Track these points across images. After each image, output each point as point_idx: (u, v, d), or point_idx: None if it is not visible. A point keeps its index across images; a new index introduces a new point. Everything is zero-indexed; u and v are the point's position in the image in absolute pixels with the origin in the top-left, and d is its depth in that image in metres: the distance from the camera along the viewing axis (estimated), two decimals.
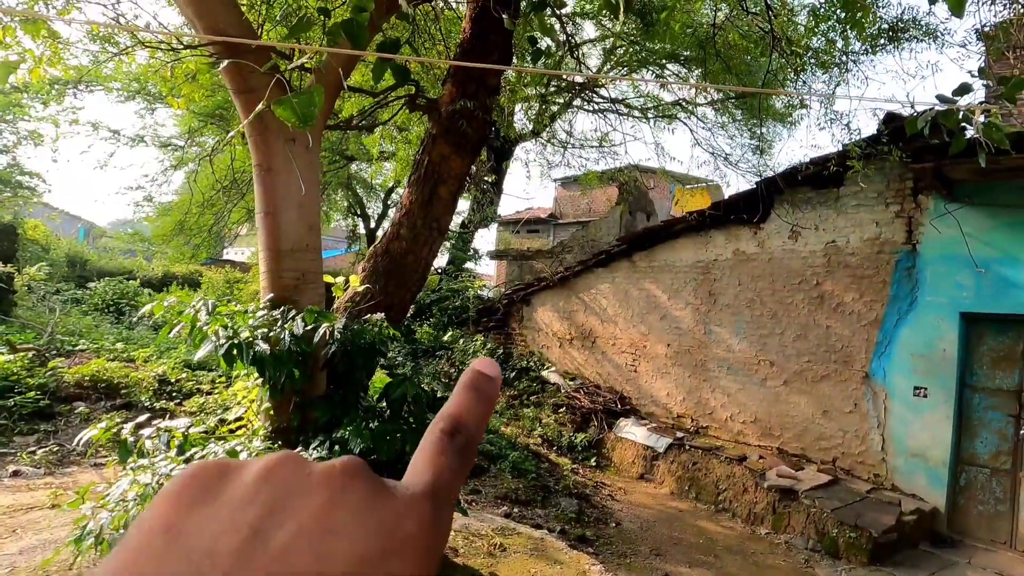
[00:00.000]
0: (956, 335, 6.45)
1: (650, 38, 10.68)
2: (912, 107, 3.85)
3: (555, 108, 13.63)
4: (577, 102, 13.40)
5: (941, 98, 3.01)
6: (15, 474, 5.85)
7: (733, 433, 8.34)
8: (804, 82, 8.29)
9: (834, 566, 5.81)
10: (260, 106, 2.84)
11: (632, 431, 8.85)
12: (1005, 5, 5.37)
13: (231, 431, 3.75)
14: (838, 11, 7.29)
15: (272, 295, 3.64)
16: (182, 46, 4.07)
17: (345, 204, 20.75)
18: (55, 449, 6.48)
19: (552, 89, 12.36)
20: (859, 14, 6.93)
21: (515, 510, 6.46)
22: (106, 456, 6.28)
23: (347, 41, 2.57)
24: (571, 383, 10.34)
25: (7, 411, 6.95)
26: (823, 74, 8.51)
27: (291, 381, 3.30)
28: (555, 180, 23.12)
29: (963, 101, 2.94)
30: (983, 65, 6.04)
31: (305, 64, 3.05)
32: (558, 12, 6.44)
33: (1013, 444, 6.14)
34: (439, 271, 15.83)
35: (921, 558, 5.94)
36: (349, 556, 0.25)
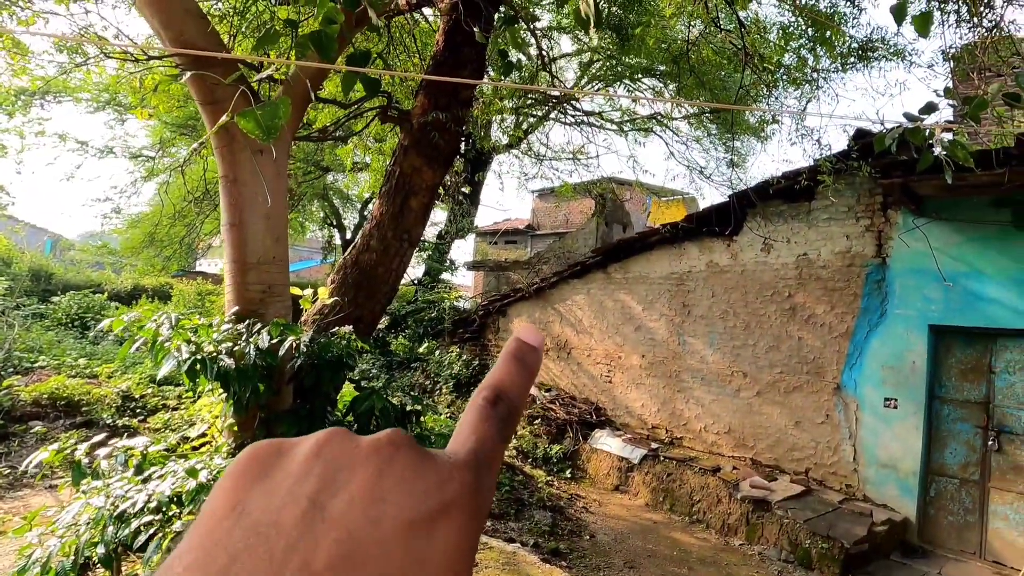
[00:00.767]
0: (925, 347, 6.55)
1: (626, 53, 10.79)
2: (882, 124, 3.91)
3: (531, 121, 13.69)
4: (554, 115, 13.47)
5: (908, 116, 3.06)
6: None
7: (707, 444, 8.36)
8: (776, 98, 8.43)
9: None
10: (224, 118, 2.79)
11: (607, 442, 8.84)
12: (970, 28, 5.50)
13: (194, 448, 3.65)
14: (808, 30, 7.44)
15: (237, 308, 3.57)
16: (147, 56, 3.99)
17: (321, 215, 20.61)
18: (6, 472, 6.23)
19: (530, 101, 12.42)
20: (828, 33, 7.07)
21: (487, 524, 6.39)
22: (63, 478, 6.09)
23: (316, 53, 2.54)
24: (546, 394, 10.30)
25: None
26: (795, 90, 8.67)
27: (256, 396, 3.23)
28: (532, 192, 23.22)
29: (931, 119, 2.99)
30: (948, 85, 6.18)
31: (273, 76, 3.01)
32: (531, 27, 6.47)
33: (981, 455, 6.23)
34: (415, 282, 15.73)
35: (892, 568, 5.99)
36: (398, 520, 0.27)
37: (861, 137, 6.43)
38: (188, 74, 3.16)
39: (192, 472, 2.82)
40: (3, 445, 6.87)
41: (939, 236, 6.43)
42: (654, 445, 8.52)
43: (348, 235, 19.78)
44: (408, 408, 3.78)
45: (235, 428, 3.49)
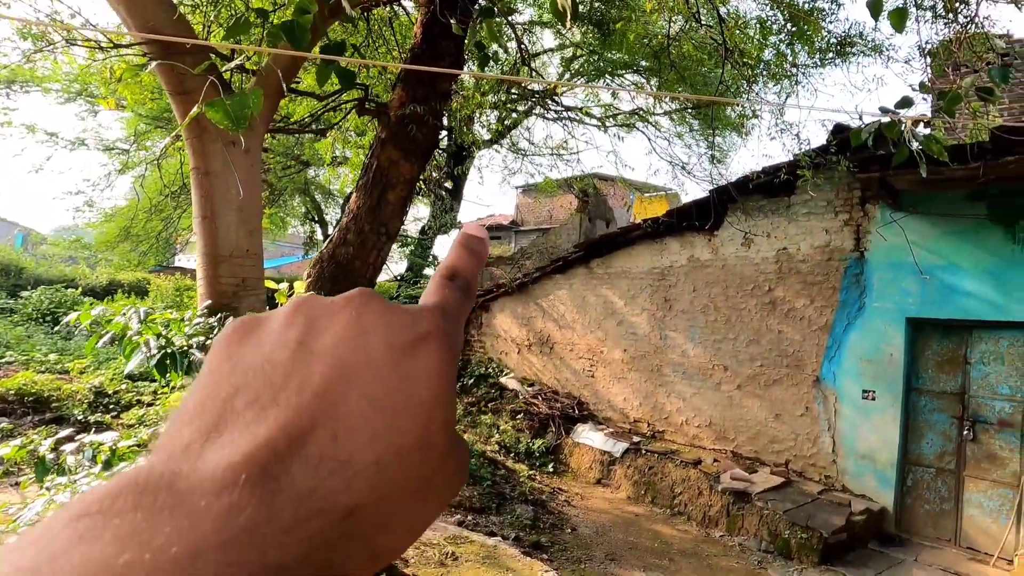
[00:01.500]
0: (902, 340, 6.62)
1: (607, 48, 10.78)
2: (860, 118, 3.93)
3: (514, 116, 13.62)
4: (536, 110, 13.42)
5: (884, 110, 3.07)
6: None
7: (689, 437, 8.40)
8: (756, 93, 8.46)
9: (786, 567, 5.87)
10: (195, 109, 2.73)
11: (589, 436, 8.85)
12: (946, 23, 5.54)
13: None
14: (787, 25, 7.47)
15: (210, 302, 3.50)
16: (113, 44, 3.90)
17: (303, 210, 20.41)
18: None
19: (514, 95, 12.37)
20: (807, 28, 7.10)
21: (469, 518, 6.36)
22: (27, 474, 5.96)
23: (288, 44, 2.49)
24: (529, 389, 10.29)
25: None
26: (774, 85, 8.72)
27: None
28: (516, 187, 23.17)
29: (909, 113, 3.01)
30: (924, 80, 6.23)
31: (245, 66, 2.94)
32: (509, 20, 6.43)
33: (957, 445, 6.32)
34: (397, 278, 15.63)
35: (870, 557, 6.06)
36: (383, 346, 0.29)
37: (839, 132, 6.47)
38: (154, 63, 3.09)
39: None
40: None
41: (916, 230, 6.49)
42: (636, 439, 8.55)
43: (330, 230, 19.59)
44: None
45: None
